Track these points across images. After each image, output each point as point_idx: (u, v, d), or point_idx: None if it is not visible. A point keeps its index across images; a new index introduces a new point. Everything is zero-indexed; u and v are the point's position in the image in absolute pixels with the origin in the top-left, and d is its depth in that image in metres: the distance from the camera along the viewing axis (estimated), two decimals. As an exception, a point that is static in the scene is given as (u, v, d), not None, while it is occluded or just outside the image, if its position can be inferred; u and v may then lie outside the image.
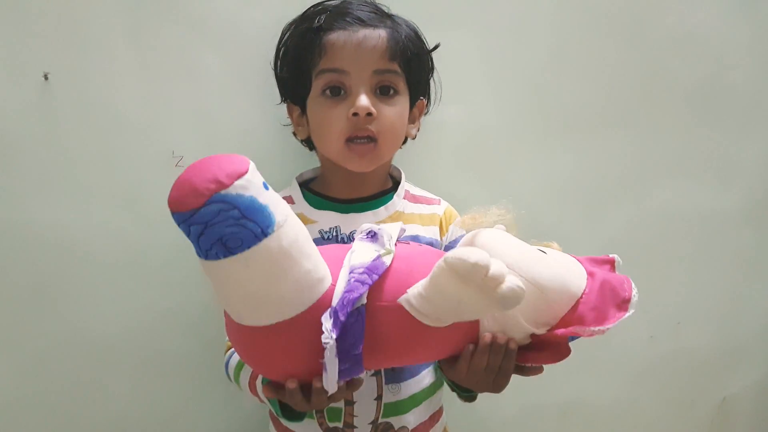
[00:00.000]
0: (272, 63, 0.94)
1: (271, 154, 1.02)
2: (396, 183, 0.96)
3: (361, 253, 0.68)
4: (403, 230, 0.77)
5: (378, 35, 0.84)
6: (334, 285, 0.65)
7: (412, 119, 0.93)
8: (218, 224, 0.57)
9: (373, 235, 0.73)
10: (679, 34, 1.19)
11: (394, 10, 0.92)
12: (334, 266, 0.67)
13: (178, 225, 0.60)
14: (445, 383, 0.93)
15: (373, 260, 0.67)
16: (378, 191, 0.93)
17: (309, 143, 0.96)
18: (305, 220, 0.88)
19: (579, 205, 1.20)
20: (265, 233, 0.59)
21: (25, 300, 0.97)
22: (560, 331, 0.66)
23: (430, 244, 0.90)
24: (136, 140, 0.97)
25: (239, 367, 0.86)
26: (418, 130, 0.97)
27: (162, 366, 1.04)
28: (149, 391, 1.05)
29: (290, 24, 0.91)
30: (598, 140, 1.19)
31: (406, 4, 0.93)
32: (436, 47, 0.93)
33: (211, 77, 0.98)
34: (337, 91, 0.84)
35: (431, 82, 0.97)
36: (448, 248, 0.93)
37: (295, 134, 0.96)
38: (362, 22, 0.84)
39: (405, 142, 0.96)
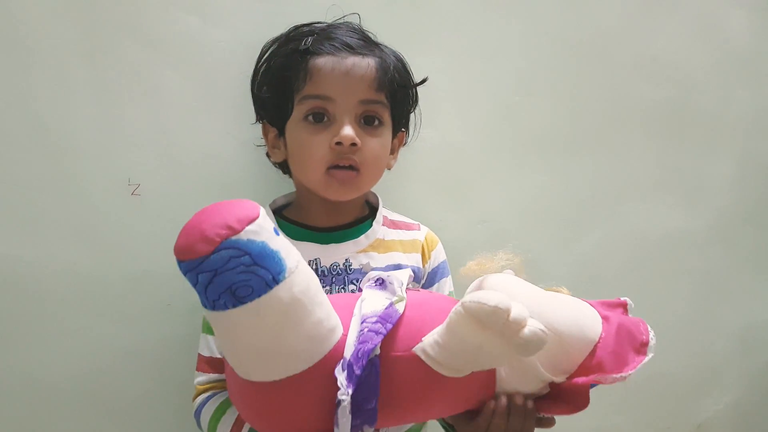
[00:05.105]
0: (250, 81, 0.91)
1: (237, 179, 0.99)
2: (373, 209, 0.94)
3: (372, 301, 0.66)
4: (411, 276, 0.76)
5: (367, 64, 0.82)
6: (345, 335, 0.63)
7: (392, 150, 0.92)
8: (228, 271, 0.55)
9: (381, 283, 0.71)
10: (644, 59, 1.24)
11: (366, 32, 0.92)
12: (344, 315, 0.65)
13: (185, 274, 0.57)
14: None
15: (386, 308, 0.65)
16: (356, 218, 0.91)
17: (283, 166, 0.93)
18: None
19: (551, 227, 1.21)
20: (276, 280, 0.57)
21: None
22: (581, 380, 0.64)
23: (413, 271, 0.88)
24: (90, 166, 0.94)
25: (215, 418, 0.81)
26: (395, 161, 0.96)
27: (119, 410, 0.99)
28: (105, 439, 0.99)
29: (273, 42, 0.89)
30: (569, 162, 1.21)
31: (378, 28, 0.92)
32: (423, 81, 0.93)
33: (172, 100, 0.95)
34: (320, 118, 0.82)
35: (412, 114, 0.96)
36: (431, 275, 0.92)
37: (268, 155, 0.92)
38: (351, 49, 0.83)
39: None
